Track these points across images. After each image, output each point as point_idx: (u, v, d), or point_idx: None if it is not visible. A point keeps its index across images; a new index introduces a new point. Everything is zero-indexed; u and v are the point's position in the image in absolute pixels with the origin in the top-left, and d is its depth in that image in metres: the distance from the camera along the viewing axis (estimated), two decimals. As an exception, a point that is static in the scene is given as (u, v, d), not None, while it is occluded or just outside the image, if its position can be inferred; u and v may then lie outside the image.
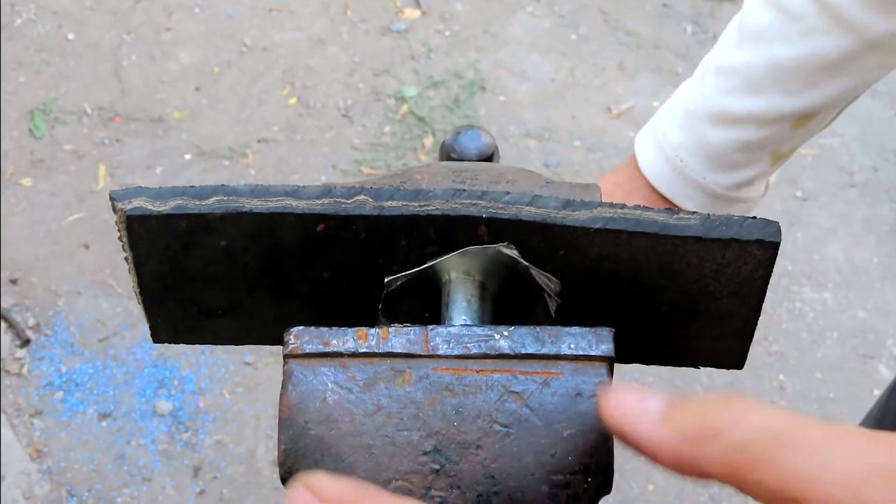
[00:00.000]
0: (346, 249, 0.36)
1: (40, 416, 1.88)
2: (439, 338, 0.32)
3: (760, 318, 0.38)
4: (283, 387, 0.32)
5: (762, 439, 0.25)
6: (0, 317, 1.98)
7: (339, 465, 0.31)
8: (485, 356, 0.32)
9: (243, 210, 0.35)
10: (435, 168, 0.42)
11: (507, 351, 0.32)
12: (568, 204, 0.35)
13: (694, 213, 0.35)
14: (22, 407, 1.89)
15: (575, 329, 0.32)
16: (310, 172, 2.28)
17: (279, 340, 0.34)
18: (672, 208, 0.36)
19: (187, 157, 2.30)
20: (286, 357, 0.33)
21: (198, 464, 1.84)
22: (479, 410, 0.31)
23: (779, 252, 0.35)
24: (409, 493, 0.31)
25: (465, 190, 0.35)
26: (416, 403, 0.31)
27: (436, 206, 0.35)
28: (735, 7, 2.69)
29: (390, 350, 0.32)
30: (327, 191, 0.35)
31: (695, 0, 2.72)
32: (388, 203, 0.35)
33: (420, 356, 0.32)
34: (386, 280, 0.37)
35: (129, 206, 0.35)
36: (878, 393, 2.00)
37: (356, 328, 0.33)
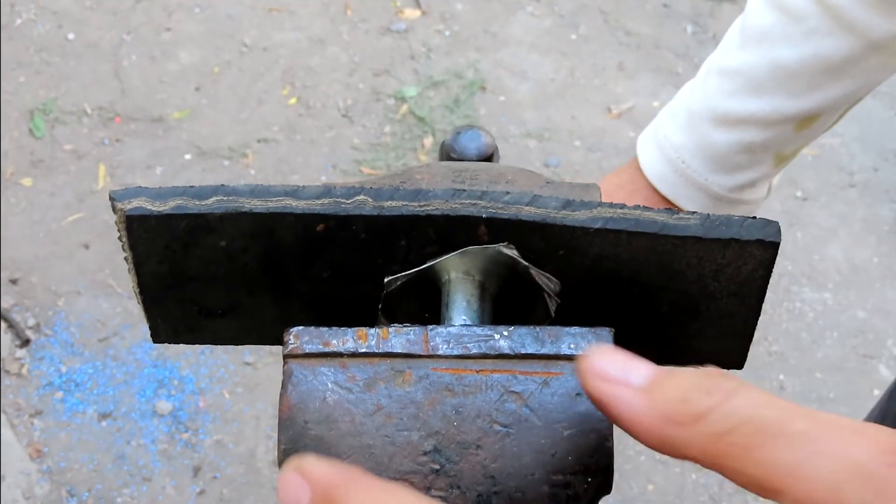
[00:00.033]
0: (345, 249, 0.36)
1: (40, 416, 1.88)
2: (439, 338, 0.32)
3: (760, 318, 0.38)
4: (283, 387, 0.32)
5: (745, 428, 0.25)
6: (0, 317, 1.98)
7: (338, 465, 0.31)
8: (485, 356, 0.32)
9: (243, 210, 0.35)
10: (435, 168, 0.42)
11: (506, 351, 0.32)
12: (568, 204, 0.35)
13: (694, 213, 0.35)
14: (22, 407, 1.89)
15: (575, 329, 0.32)
16: (310, 172, 2.28)
17: (279, 340, 0.34)
18: (672, 208, 0.36)
19: (187, 157, 2.30)
20: (286, 357, 0.33)
21: (198, 464, 1.84)
22: (479, 410, 0.31)
23: (779, 252, 0.35)
24: (408, 493, 0.31)
25: (464, 190, 0.35)
26: (416, 403, 0.31)
27: (436, 206, 0.35)
28: (735, 7, 2.69)
29: (390, 350, 0.32)
30: (327, 191, 0.35)
31: (695, 0, 2.72)
32: (388, 203, 0.35)
33: (420, 356, 0.32)
34: (386, 280, 0.37)
35: (128, 206, 0.35)
36: (878, 393, 2.00)
37: (356, 328, 0.33)
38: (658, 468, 1.86)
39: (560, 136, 2.39)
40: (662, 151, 0.70)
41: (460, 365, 0.32)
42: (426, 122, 2.38)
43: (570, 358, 0.32)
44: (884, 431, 0.24)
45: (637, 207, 0.35)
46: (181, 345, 0.41)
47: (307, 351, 0.32)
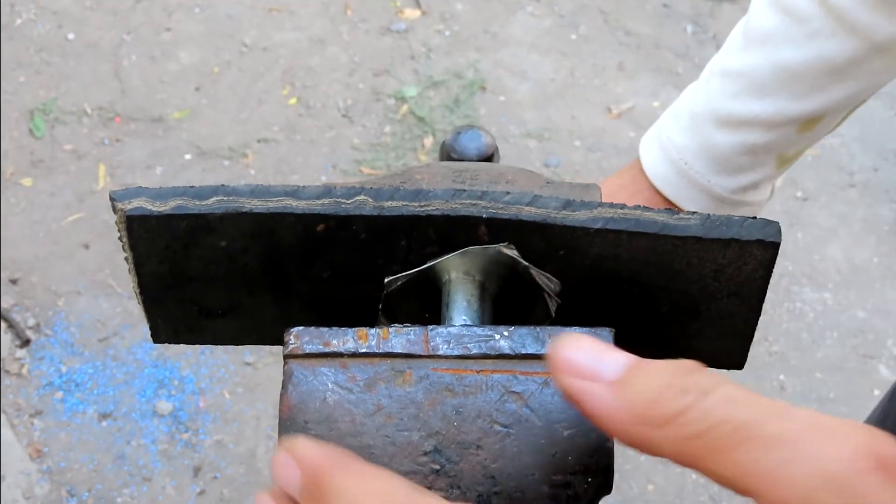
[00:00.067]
0: (346, 249, 0.36)
1: (40, 416, 1.88)
2: (439, 338, 0.32)
3: (760, 318, 0.38)
4: (283, 387, 0.32)
5: (718, 430, 0.24)
6: (0, 317, 1.98)
7: (339, 465, 0.31)
8: (485, 356, 0.32)
9: (243, 210, 0.35)
10: (435, 168, 0.42)
11: (507, 351, 0.32)
12: (568, 204, 0.35)
13: (694, 213, 0.35)
14: (22, 407, 1.89)
15: (575, 329, 0.32)
16: (310, 172, 2.28)
17: (279, 340, 0.34)
18: (672, 208, 0.36)
19: (187, 157, 2.30)
20: (286, 357, 0.33)
21: (198, 464, 1.84)
22: (479, 410, 0.31)
23: (779, 252, 0.35)
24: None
25: (465, 190, 0.35)
26: (417, 404, 0.31)
27: (436, 207, 0.35)
28: (735, 7, 2.69)
29: (390, 350, 0.32)
30: (327, 191, 0.35)
31: (695, 0, 2.72)
32: (388, 203, 0.35)
33: (420, 356, 0.32)
34: (386, 280, 0.37)
35: (129, 206, 0.35)
36: (878, 393, 2.00)
37: (356, 328, 0.33)
38: (658, 468, 1.86)
39: (560, 136, 2.39)
40: (665, 153, 0.70)
41: (460, 365, 0.32)
42: (426, 122, 2.38)
43: None
44: (858, 433, 0.24)
45: (637, 207, 0.35)
46: (181, 345, 0.41)
47: (307, 351, 0.32)
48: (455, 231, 0.35)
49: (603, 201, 0.36)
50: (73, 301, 2.04)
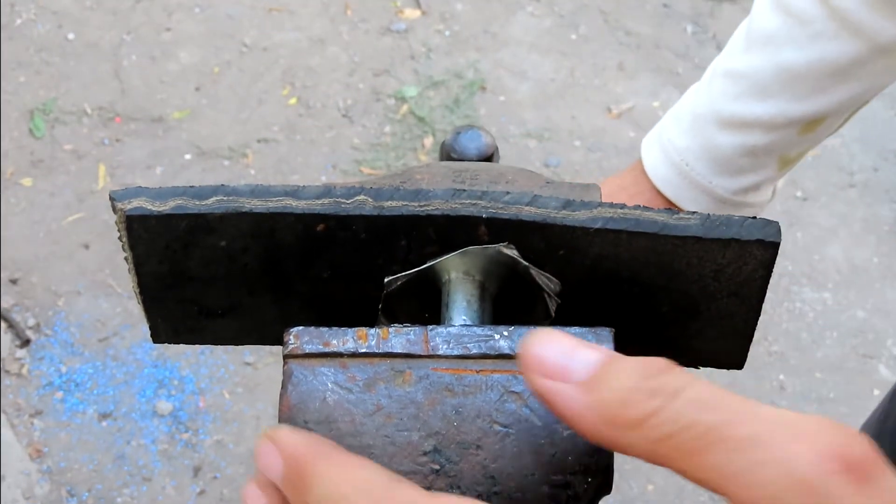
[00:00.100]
0: (346, 249, 0.36)
1: (40, 416, 1.88)
2: (439, 338, 0.32)
3: (760, 318, 0.38)
4: (283, 387, 0.32)
5: (686, 433, 0.24)
6: (0, 317, 1.98)
7: (339, 465, 0.31)
8: (485, 356, 0.32)
9: (243, 210, 0.35)
10: (435, 168, 0.42)
11: (506, 351, 0.32)
12: (568, 204, 0.35)
13: (694, 213, 0.35)
14: (22, 407, 1.89)
15: (575, 329, 0.32)
16: (310, 172, 2.28)
17: (279, 340, 0.34)
18: (672, 208, 0.36)
19: (187, 157, 2.30)
20: (286, 357, 0.33)
21: (198, 464, 1.84)
22: (479, 410, 0.31)
23: (779, 252, 0.35)
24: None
25: (465, 190, 0.35)
26: (416, 404, 0.31)
27: (436, 206, 0.35)
28: (735, 7, 2.69)
29: (390, 350, 0.32)
30: (327, 191, 0.35)
31: (695, 0, 2.72)
32: (388, 203, 0.35)
33: (420, 356, 0.32)
34: (386, 280, 0.37)
35: (128, 206, 0.35)
36: (878, 393, 2.00)
37: (356, 328, 0.33)
38: (658, 468, 1.86)
39: (560, 136, 2.39)
40: (666, 154, 0.70)
41: (460, 365, 0.32)
42: (426, 122, 2.38)
43: None
44: (826, 433, 0.24)
45: (637, 207, 0.35)
46: (181, 345, 0.41)
47: (307, 351, 0.32)
48: (455, 231, 0.35)
49: (603, 201, 0.36)
50: (73, 301, 2.04)
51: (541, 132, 2.39)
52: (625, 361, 0.26)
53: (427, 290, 0.38)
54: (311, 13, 2.62)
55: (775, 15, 0.64)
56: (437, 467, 0.31)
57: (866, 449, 0.24)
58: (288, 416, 0.32)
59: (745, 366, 0.40)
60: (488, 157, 0.46)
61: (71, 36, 2.52)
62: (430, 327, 0.33)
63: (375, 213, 0.35)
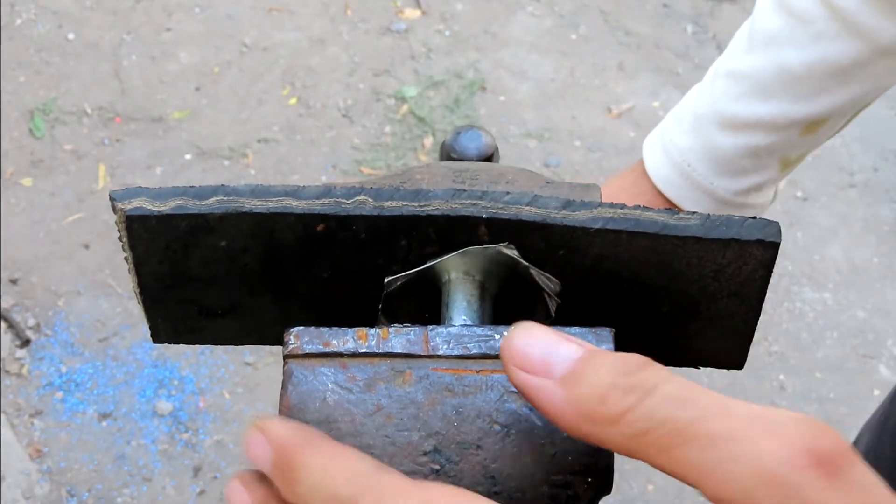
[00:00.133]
0: (346, 249, 0.36)
1: (40, 416, 1.88)
2: (439, 338, 0.32)
3: (760, 318, 0.38)
4: (283, 387, 0.32)
5: (660, 430, 0.25)
6: (0, 317, 1.98)
7: (339, 465, 0.31)
8: (485, 356, 0.32)
9: (243, 210, 0.35)
10: (435, 168, 0.42)
11: (507, 351, 0.32)
12: (568, 204, 0.35)
13: (694, 213, 0.35)
14: (22, 407, 1.89)
15: (575, 329, 0.32)
16: (310, 172, 2.28)
17: (279, 340, 0.34)
18: (672, 208, 0.36)
19: (187, 157, 2.30)
20: (286, 357, 0.33)
21: (198, 464, 1.84)
22: (479, 410, 0.31)
23: (779, 252, 0.35)
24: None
25: (465, 190, 0.35)
26: (416, 404, 0.31)
27: (436, 206, 0.35)
28: (735, 7, 2.69)
29: (390, 350, 0.32)
30: (327, 191, 0.35)
31: (695, 0, 2.72)
32: (388, 203, 0.35)
33: (420, 356, 0.32)
34: (386, 280, 0.37)
35: (129, 206, 0.35)
36: (878, 393, 2.00)
37: (356, 328, 0.33)
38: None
39: (560, 136, 2.39)
40: (668, 155, 0.70)
41: (460, 365, 0.32)
42: (426, 122, 2.39)
43: None
44: (797, 427, 0.24)
45: (637, 207, 0.35)
46: (181, 345, 0.41)
47: (307, 351, 0.32)
48: (455, 231, 0.35)
49: (603, 202, 0.36)
50: (73, 301, 2.04)
51: (541, 132, 2.39)
52: (603, 357, 0.27)
53: (427, 290, 0.38)
54: (311, 13, 2.62)
55: (777, 15, 0.64)
56: (437, 467, 0.31)
57: (837, 443, 0.24)
58: (288, 416, 0.32)
59: (745, 366, 0.40)
60: (488, 157, 0.46)
61: (71, 36, 2.52)
62: (431, 327, 0.33)
63: (375, 213, 0.35)
